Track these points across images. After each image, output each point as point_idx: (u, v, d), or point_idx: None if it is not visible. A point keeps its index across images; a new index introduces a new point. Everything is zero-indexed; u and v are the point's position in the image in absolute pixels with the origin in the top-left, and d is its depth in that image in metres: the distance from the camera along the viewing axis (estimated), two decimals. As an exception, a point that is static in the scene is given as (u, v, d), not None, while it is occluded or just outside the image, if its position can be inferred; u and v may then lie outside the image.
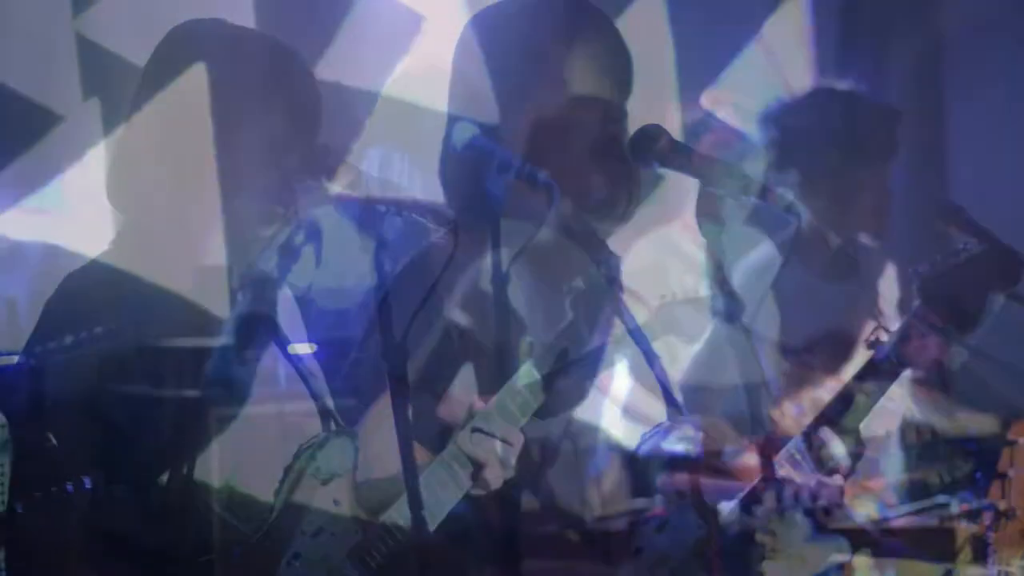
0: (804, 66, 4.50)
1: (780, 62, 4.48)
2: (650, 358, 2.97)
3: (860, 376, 3.36)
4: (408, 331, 2.65)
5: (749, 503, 3.11)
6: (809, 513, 3.13)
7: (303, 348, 2.93)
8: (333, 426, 2.86)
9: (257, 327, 2.79)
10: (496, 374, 3.29)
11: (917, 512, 3.56)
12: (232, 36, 2.83)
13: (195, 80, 2.73)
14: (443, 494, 2.78)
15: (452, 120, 3.27)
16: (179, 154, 2.73)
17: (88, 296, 2.70)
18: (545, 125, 3.22)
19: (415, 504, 2.58)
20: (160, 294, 2.71)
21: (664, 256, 3.25)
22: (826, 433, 3.28)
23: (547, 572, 3.09)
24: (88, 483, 2.59)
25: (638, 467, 3.26)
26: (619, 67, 3.30)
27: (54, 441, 2.61)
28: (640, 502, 3.14)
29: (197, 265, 2.76)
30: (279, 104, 2.78)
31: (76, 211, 3.56)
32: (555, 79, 3.24)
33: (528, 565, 3.07)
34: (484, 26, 3.31)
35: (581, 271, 2.94)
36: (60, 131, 3.64)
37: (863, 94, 4.00)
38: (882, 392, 3.36)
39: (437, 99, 3.47)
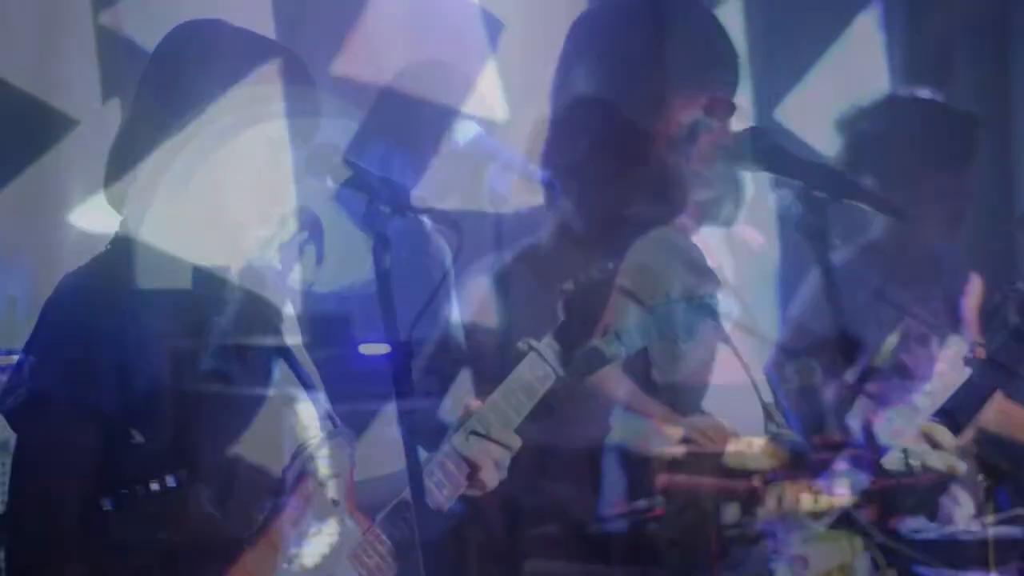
0: (877, 73, 4.50)
1: (853, 70, 4.49)
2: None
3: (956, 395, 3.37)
4: (413, 331, 2.64)
5: (751, 504, 3.10)
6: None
7: (302, 347, 2.92)
8: (331, 426, 2.87)
9: (254, 326, 2.79)
10: (494, 376, 3.31)
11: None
12: (231, 37, 2.83)
13: (193, 80, 2.73)
14: (438, 496, 2.77)
15: (456, 118, 3.27)
16: (176, 153, 2.73)
17: (86, 295, 2.69)
18: (648, 126, 3.20)
19: (419, 504, 2.58)
20: (158, 293, 2.71)
21: (664, 256, 3.23)
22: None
23: (545, 573, 3.09)
24: (173, 481, 2.60)
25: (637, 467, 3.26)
26: (724, 62, 3.27)
27: (140, 439, 2.62)
28: (640, 503, 3.14)
29: (195, 265, 2.75)
30: (278, 103, 2.77)
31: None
32: (659, 79, 3.20)
33: (527, 566, 3.08)
34: (585, 29, 3.29)
35: (575, 272, 2.93)
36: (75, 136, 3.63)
37: (940, 100, 4.00)
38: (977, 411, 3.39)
39: (437, 94, 3.48)
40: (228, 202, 2.75)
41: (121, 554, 2.62)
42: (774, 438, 3.06)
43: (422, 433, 3.10)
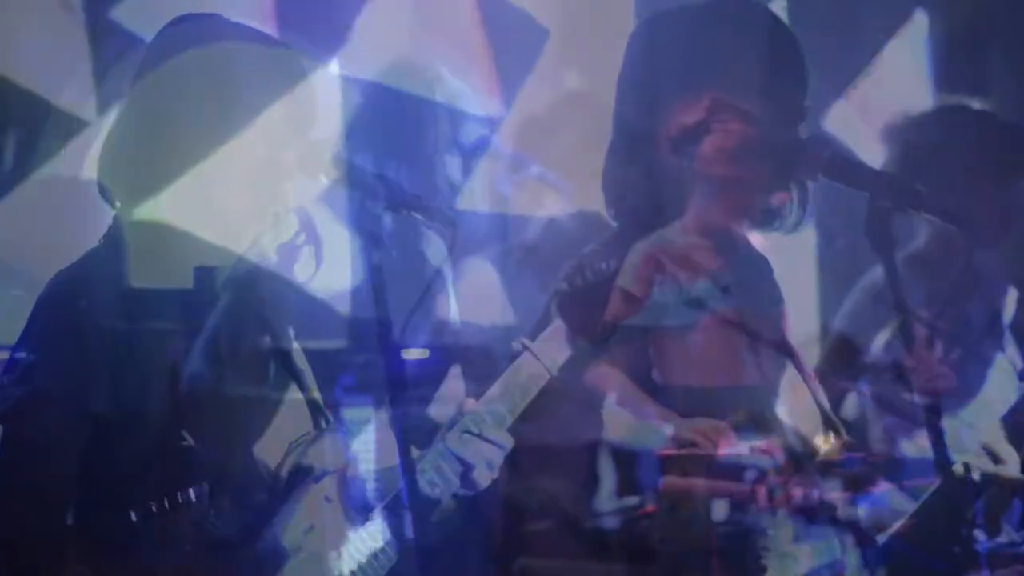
0: (924, 83, 4.50)
1: (898, 80, 4.49)
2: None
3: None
4: (406, 328, 2.65)
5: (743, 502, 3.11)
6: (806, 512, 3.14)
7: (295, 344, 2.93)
8: (324, 423, 2.87)
9: (245, 323, 2.79)
10: (485, 373, 3.31)
11: None
12: (229, 32, 2.83)
13: (189, 76, 2.73)
14: (431, 494, 2.77)
15: (459, 119, 3.27)
16: (171, 149, 2.73)
17: (77, 291, 2.69)
18: (717, 131, 3.19)
19: (414, 503, 2.59)
20: (150, 290, 2.71)
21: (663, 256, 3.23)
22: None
23: (540, 571, 3.10)
24: (205, 489, 2.61)
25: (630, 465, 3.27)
26: (792, 66, 3.27)
27: (191, 441, 2.63)
28: (632, 500, 3.15)
29: (190, 261, 2.75)
30: (275, 100, 2.77)
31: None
32: (729, 83, 3.20)
33: (520, 564, 3.09)
34: (652, 32, 3.30)
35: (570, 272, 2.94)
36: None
37: (991, 112, 4.01)
38: None
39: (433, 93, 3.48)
40: (222, 198, 2.74)
41: (116, 557, 2.62)
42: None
43: (414, 431, 3.13)
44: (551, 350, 2.80)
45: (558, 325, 2.80)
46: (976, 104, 4.05)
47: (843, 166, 3.01)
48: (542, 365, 2.81)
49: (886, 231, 2.90)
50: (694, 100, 3.17)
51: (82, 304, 2.65)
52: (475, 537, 3.16)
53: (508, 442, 2.80)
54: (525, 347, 2.80)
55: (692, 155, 3.18)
